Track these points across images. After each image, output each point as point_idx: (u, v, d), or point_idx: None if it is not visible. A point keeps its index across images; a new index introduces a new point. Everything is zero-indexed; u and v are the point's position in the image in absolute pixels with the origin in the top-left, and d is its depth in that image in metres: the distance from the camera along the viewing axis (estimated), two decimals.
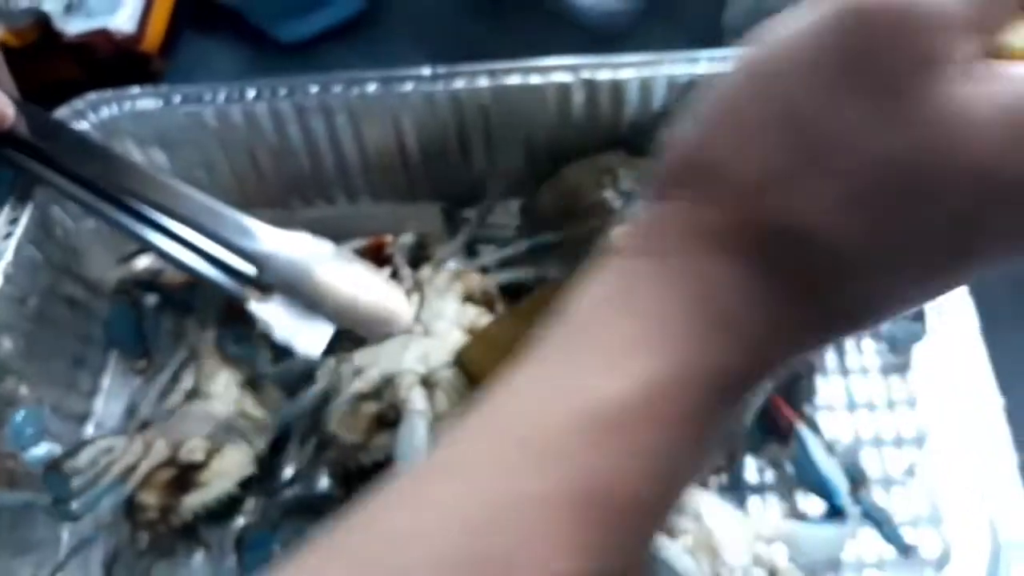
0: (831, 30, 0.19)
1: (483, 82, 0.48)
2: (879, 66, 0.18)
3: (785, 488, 0.44)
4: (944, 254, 0.19)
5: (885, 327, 0.47)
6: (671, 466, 0.20)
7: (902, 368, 0.47)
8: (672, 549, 0.34)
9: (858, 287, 0.20)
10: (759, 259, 0.19)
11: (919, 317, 0.47)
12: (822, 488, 0.41)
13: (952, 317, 0.48)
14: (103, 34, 0.56)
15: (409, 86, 0.49)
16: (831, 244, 0.19)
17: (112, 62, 0.58)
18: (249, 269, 0.44)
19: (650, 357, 0.19)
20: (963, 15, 0.18)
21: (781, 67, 0.19)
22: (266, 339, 0.44)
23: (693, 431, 0.20)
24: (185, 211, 0.44)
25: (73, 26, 0.56)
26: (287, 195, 0.53)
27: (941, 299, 0.48)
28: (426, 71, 0.49)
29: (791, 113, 0.19)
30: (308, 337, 0.43)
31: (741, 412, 0.23)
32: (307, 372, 0.43)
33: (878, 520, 0.42)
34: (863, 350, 0.48)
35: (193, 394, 0.43)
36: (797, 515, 0.43)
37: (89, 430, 0.48)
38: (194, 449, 0.39)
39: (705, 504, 0.37)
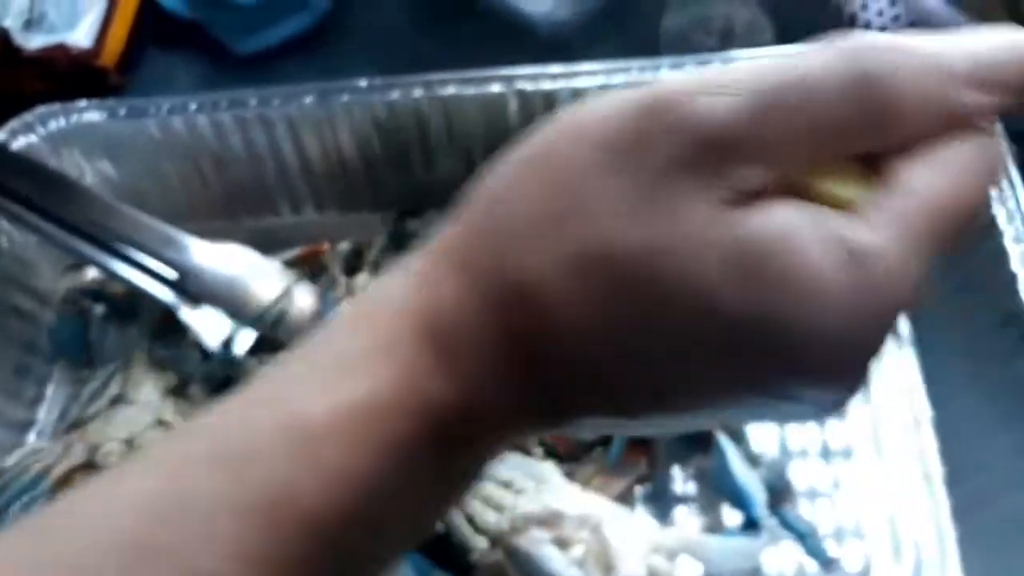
0: (631, 108, 0.19)
1: (418, 93, 0.49)
2: (649, 157, 0.18)
3: (709, 499, 0.43)
4: (654, 372, 0.19)
5: None
6: (373, 494, 0.19)
7: None
8: (559, 560, 0.34)
9: (565, 365, 0.19)
10: (494, 303, 0.19)
11: None
12: (739, 499, 0.41)
13: None
14: (61, 49, 0.57)
15: (345, 97, 0.49)
16: (548, 307, 0.19)
17: (72, 77, 0.59)
18: (177, 278, 0.44)
19: (364, 378, 0.20)
20: (754, 141, 0.18)
21: (578, 130, 0.19)
22: (197, 345, 0.45)
23: (400, 462, 0.20)
24: (115, 225, 0.45)
25: (33, 41, 0.57)
26: (232, 205, 0.53)
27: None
28: (363, 83, 0.49)
29: (566, 174, 0.19)
30: (235, 342, 0.44)
31: (472, 469, 0.22)
32: (231, 373, 0.44)
33: (801, 533, 0.42)
34: None
35: (118, 399, 0.44)
36: (719, 527, 0.42)
37: (31, 438, 0.49)
38: (110, 453, 0.40)
39: (607, 514, 0.37)
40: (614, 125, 0.19)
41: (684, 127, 0.18)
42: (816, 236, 0.17)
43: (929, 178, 0.18)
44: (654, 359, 0.19)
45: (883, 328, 0.18)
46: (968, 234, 0.19)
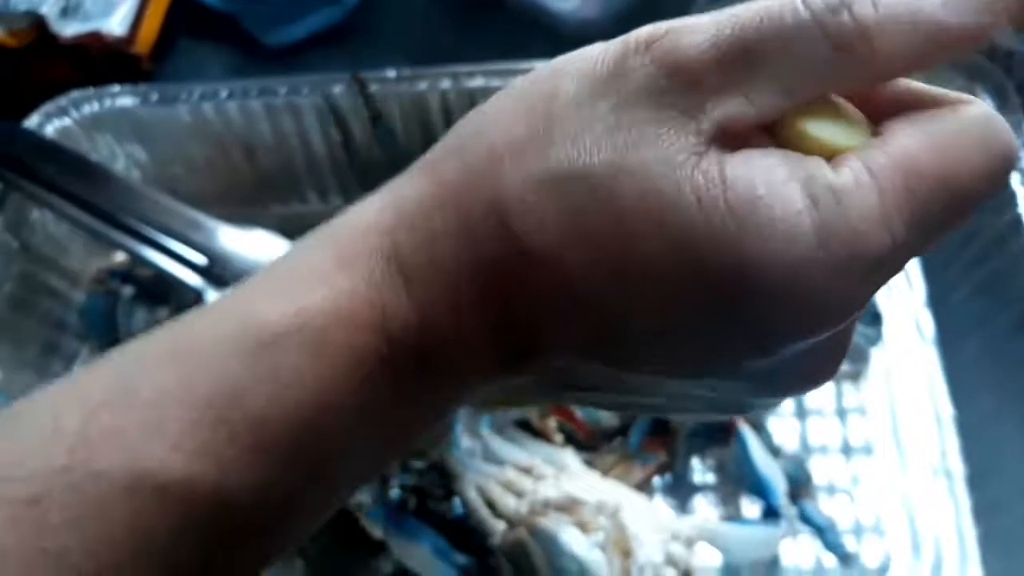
0: (612, 46, 0.19)
1: (446, 84, 0.50)
2: (623, 85, 0.18)
3: (728, 490, 0.43)
4: (625, 305, 0.18)
5: None
6: (321, 404, 0.20)
7: (856, 376, 0.46)
8: (581, 542, 0.34)
9: (536, 288, 0.19)
10: (464, 222, 0.19)
11: (876, 321, 0.46)
12: (759, 488, 0.41)
13: (910, 324, 0.47)
14: (95, 36, 0.58)
15: (374, 87, 0.50)
16: (520, 226, 0.19)
17: (106, 63, 0.60)
18: (205, 263, 0.45)
19: (323, 288, 0.20)
20: (723, 73, 0.18)
21: (562, 66, 0.20)
22: None
23: (351, 375, 0.20)
24: (144, 210, 0.45)
25: (68, 28, 0.58)
26: (260, 192, 0.54)
27: (898, 307, 0.48)
28: (391, 73, 0.50)
29: (545, 102, 0.19)
30: None
31: (433, 408, 0.22)
32: None
33: (820, 527, 0.42)
34: None
35: None
36: (738, 518, 0.42)
37: None
38: None
39: (625, 501, 0.37)
40: (594, 62, 0.19)
41: (654, 58, 0.18)
42: (787, 174, 0.17)
43: (908, 135, 0.18)
44: (622, 289, 0.18)
45: (849, 279, 0.17)
46: (963, 216, 0.18)
